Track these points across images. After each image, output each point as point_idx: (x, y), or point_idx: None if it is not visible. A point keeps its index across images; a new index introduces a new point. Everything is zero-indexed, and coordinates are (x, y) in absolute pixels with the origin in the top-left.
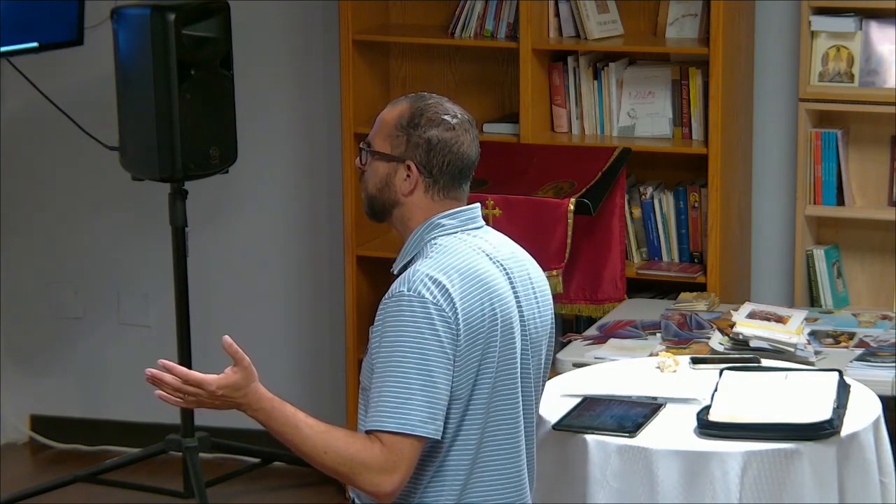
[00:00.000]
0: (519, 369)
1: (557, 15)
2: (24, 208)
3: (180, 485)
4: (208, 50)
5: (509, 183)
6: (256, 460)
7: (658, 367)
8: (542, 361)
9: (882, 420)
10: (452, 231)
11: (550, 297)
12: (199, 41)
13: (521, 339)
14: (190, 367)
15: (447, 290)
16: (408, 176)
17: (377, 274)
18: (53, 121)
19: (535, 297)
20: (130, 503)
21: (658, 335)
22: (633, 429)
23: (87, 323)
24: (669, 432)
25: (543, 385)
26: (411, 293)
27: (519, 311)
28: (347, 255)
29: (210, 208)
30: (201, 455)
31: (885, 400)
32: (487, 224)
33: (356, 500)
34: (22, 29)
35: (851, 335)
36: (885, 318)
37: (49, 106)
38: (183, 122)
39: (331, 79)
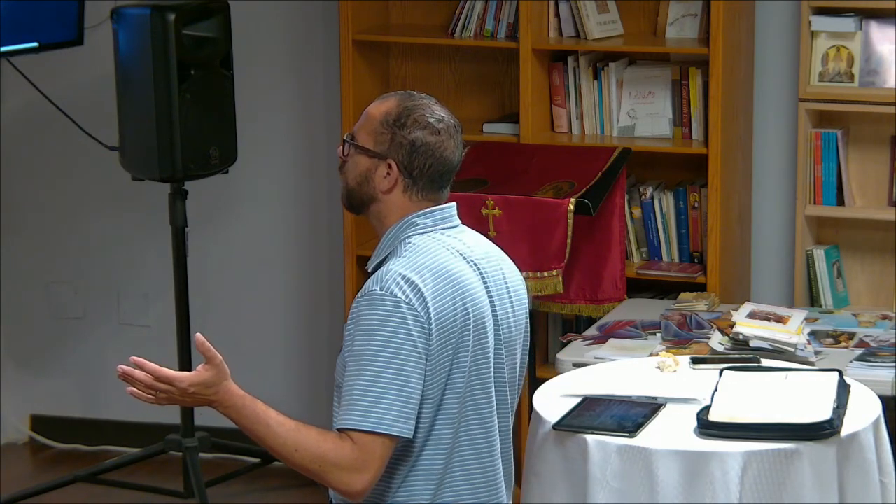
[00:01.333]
0: (492, 369)
1: (557, 15)
2: (24, 208)
3: (180, 485)
4: (208, 50)
5: (509, 183)
6: (256, 460)
7: (658, 367)
8: (518, 361)
9: (882, 420)
10: (426, 230)
11: (526, 296)
12: (199, 41)
13: (495, 339)
14: (190, 367)
15: (419, 289)
16: (387, 174)
17: None
18: (53, 121)
19: (510, 297)
20: (130, 503)
21: (658, 335)
22: (633, 429)
23: (87, 323)
24: (669, 432)
25: (520, 384)
26: (384, 292)
27: (492, 311)
28: (347, 255)
29: (210, 208)
30: (201, 455)
31: (885, 400)
32: (488, 224)
33: (333, 500)
34: (22, 29)
35: (851, 335)
36: (885, 318)
37: (49, 106)
38: (183, 122)
39: (331, 79)
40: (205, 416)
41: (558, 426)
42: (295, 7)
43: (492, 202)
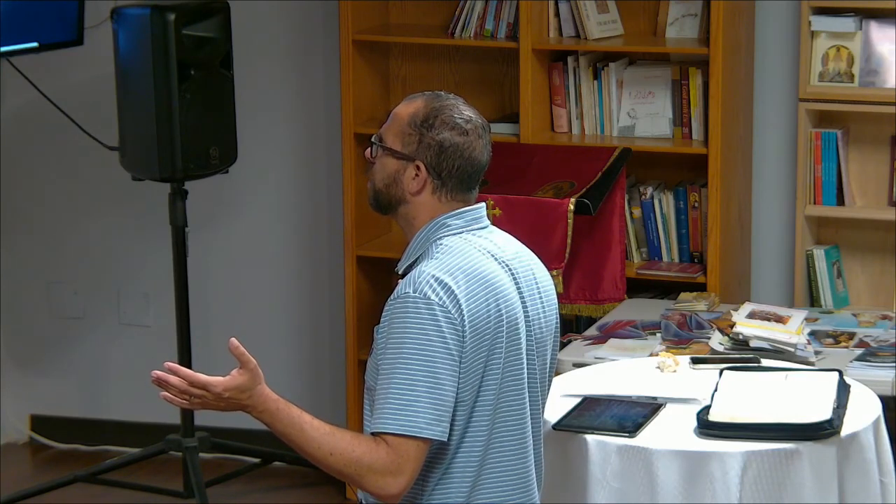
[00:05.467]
0: (525, 370)
1: (557, 15)
2: (24, 208)
3: (180, 485)
4: (208, 50)
5: (509, 183)
6: (256, 460)
7: (658, 367)
8: (548, 361)
9: (882, 420)
10: (458, 231)
11: (555, 296)
12: (199, 41)
13: (527, 340)
14: (190, 367)
15: (453, 291)
16: (416, 175)
17: (377, 274)
18: (53, 121)
19: (540, 298)
20: (130, 503)
21: (658, 335)
22: (633, 429)
23: (87, 323)
24: (669, 432)
25: (549, 385)
26: (417, 294)
27: (524, 312)
28: (347, 255)
29: (210, 208)
30: (201, 455)
31: (885, 400)
32: None
33: (363, 502)
34: (22, 29)
35: (851, 335)
36: (885, 318)
37: (49, 106)
38: (183, 122)
39: (331, 79)
40: (205, 417)
41: (558, 426)
42: (295, 7)
43: (492, 202)
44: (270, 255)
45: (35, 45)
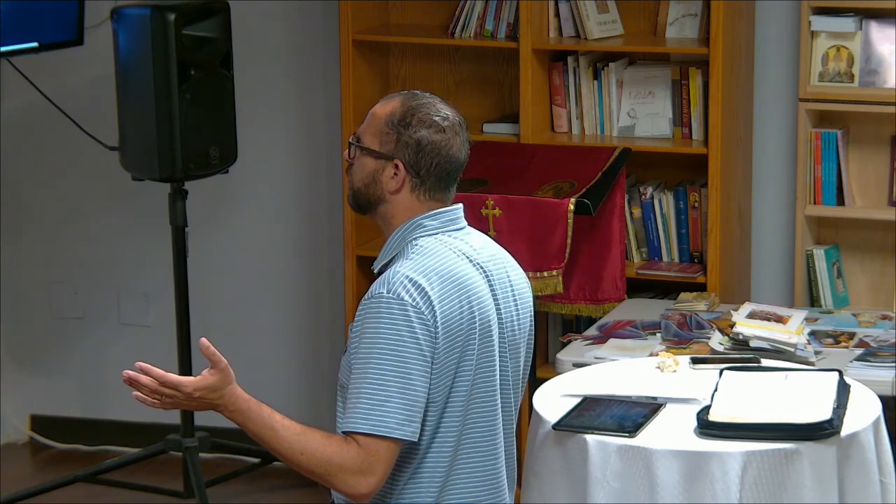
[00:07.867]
0: (497, 372)
1: (557, 15)
2: (24, 208)
3: (180, 485)
4: (208, 50)
5: (509, 183)
6: (256, 460)
7: (658, 367)
8: (521, 363)
9: (882, 420)
10: (433, 232)
11: (530, 299)
12: (199, 41)
13: (500, 342)
14: (190, 368)
15: (426, 292)
16: (395, 174)
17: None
18: (53, 121)
19: (515, 300)
20: (130, 503)
21: (658, 335)
22: (633, 429)
23: (87, 323)
24: (669, 432)
25: (523, 387)
26: (390, 295)
27: (497, 314)
28: (347, 255)
29: (210, 208)
30: (201, 455)
31: (885, 400)
32: (488, 224)
33: (335, 501)
34: (22, 29)
35: (851, 335)
36: (885, 318)
37: (49, 106)
38: (183, 122)
39: (331, 79)
40: (205, 416)
41: (558, 426)
42: (295, 7)
43: (492, 202)
44: (270, 255)
45: (35, 45)
